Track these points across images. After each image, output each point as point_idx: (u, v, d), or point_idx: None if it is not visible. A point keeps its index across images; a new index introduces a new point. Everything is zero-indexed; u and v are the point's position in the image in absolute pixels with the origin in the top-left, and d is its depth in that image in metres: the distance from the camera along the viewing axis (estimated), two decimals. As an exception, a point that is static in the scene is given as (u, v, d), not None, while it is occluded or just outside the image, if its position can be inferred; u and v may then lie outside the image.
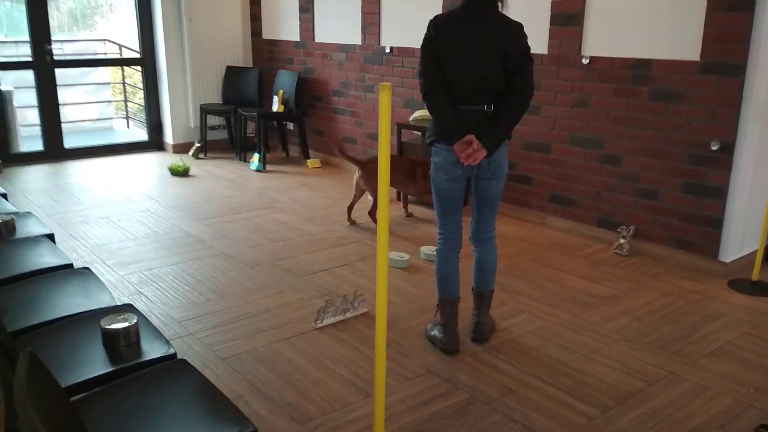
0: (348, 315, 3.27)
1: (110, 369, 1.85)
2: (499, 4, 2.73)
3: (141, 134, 8.16)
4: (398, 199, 5.15)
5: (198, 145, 6.93)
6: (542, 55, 4.49)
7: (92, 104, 9.10)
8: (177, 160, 6.40)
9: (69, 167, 6.49)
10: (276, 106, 6.68)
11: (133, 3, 6.99)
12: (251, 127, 7.25)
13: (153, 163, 6.72)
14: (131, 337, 1.97)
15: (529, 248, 4.28)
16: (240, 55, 7.34)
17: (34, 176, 6.13)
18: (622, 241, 4.17)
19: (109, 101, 9.40)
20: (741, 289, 3.63)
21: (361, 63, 6.09)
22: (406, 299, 3.49)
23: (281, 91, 6.70)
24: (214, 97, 7.22)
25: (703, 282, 3.74)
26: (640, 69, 4.01)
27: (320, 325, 3.17)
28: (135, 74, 8.97)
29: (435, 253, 2.99)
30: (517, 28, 2.73)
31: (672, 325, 3.22)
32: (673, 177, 3.96)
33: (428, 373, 2.77)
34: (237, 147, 6.95)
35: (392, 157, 4.41)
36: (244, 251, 4.20)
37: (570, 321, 3.25)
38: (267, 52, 7.26)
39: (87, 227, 4.62)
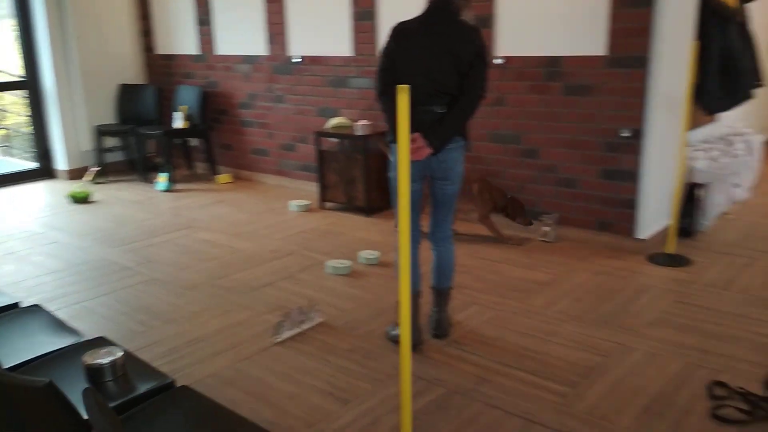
0: (305, 326, 3.22)
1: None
2: (461, 11, 2.81)
3: (23, 163, 7.55)
4: None
5: (97, 168, 6.53)
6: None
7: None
8: (76, 186, 6.00)
9: (-50, 203, 5.90)
10: (179, 123, 6.44)
11: (13, 25, 6.47)
12: (150, 146, 6.94)
13: (47, 192, 6.26)
14: (119, 370, 1.84)
15: (462, 244, 4.40)
16: (134, 72, 7.01)
17: None
18: (547, 228, 4.40)
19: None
20: (660, 261, 3.94)
21: (269, 74, 6.00)
22: (358, 304, 3.49)
23: (184, 107, 6.47)
24: (109, 117, 6.84)
25: (626, 259, 4.03)
26: (552, 66, 4.26)
27: (279, 339, 3.10)
28: (11, 99, 8.29)
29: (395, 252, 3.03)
30: (473, 31, 2.81)
31: (609, 301, 3.45)
32: (589, 165, 4.24)
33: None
34: (139, 168, 6.61)
35: None
36: (176, 274, 4.02)
37: (519, 308, 3.40)
38: (162, 68, 6.98)
39: (-8, 265, 4.23)
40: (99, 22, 6.63)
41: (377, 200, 5.15)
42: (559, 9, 4.15)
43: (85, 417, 1.24)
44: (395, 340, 3.02)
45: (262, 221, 5.07)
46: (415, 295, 2.97)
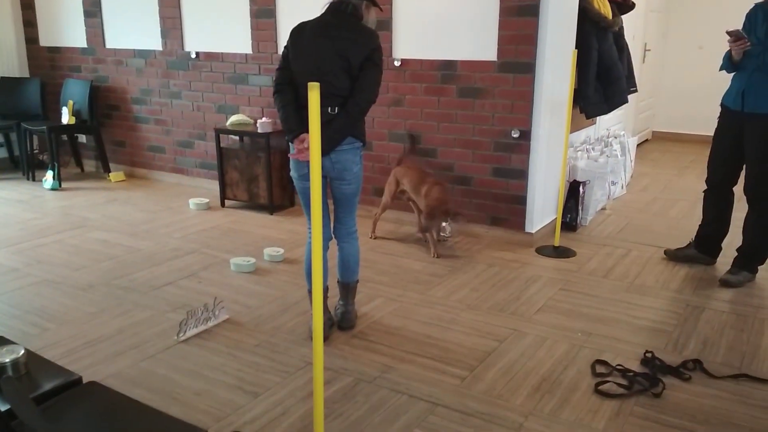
0: (210, 323, 3.21)
1: (7, 407, 1.67)
2: (361, 14, 2.90)
3: None
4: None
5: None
6: (355, 57, 4.76)
7: None
8: (-48, 184, 5.57)
9: None
10: (66, 118, 6.13)
11: None
12: (35, 142, 6.56)
13: None
14: (21, 368, 1.79)
15: (363, 240, 4.51)
16: (15, 64, 6.60)
17: None
18: (444, 224, 4.60)
19: None
20: (547, 253, 4.24)
21: (164, 69, 5.85)
22: (264, 301, 3.51)
23: (71, 102, 6.17)
24: (-13, 111, 6.39)
25: (516, 252, 4.30)
26: (447, 69, 4.46)
27: (183, 337, 3.08)
28: None
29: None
30: (367, 36, 2.88)
31: (503, 290, 3.68)
32: (482, 163, 4.47)
33: (308, 365, 2.85)
34: (23, 165, 6.24)
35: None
36: (69, 275, 3.86)
37: (420, 299, 3.55)
38: (47, 60, 6.62)
39: None
40: (-26, 9, 6.19)
41: (280, 198, 5.17)
42: (454, 15, 4.35)
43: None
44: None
45: (160, 220, 4.95)
46: (324, 290, 3.04)
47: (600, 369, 2.82)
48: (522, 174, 4.34)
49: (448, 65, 4.44)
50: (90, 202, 5.44)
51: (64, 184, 5.94)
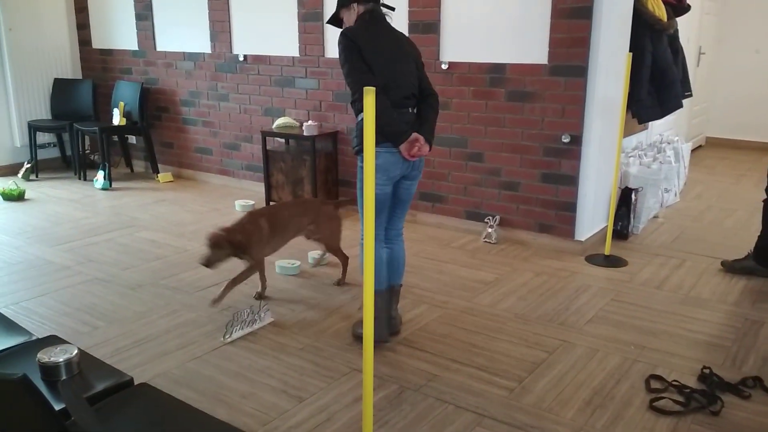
0: (256, 326, 3.21)
1: (61, 406, 1.68)
2: (387, 18, 2.98)
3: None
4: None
5: (28, 165, 6.28)
6: (402, 60, 4.73)
7: None
8: (9, 183, 5.74)
9: None
10: (117, 119, 6.27)
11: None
12: (87, 143, 6.73)
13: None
14: (74, 368, 1.80)
15: (408, 244, 4.44)
16: (69, 66, 6.77)
17: None
18: (489, 230, 4.53)
19: None
20: (597, 262, 4.13)
21: (212, 72, 5.92)
22: (308, 304, 3.50)
23: (122, 103, 6.30)
24: (43, 112, 6.59)
25: (565, 260, 4.19)
26: (495, 72, 4.39)
27: (229, 339, 3.08)
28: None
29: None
30: (411, 40, 3.02)
31: (551, 300, 3.59)
32: (530, 169, 4.39)
33: (353, 371, 2.82)
34: (75, 165, 6.40)
35: (274, 207, 3.94)
36: (119, 274, 3.92)
37: (466, 306, 3.49)
38: (99, 62, 6.78)
39: None
40: (33, 15, 6.38)
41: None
42: (503, 17, 4.28)
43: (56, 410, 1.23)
44: (356, 333, 3.07)
45: (207, 221, 5.00)
46: (385, 291, 3.01)
47: (654, 384, 2.72)
48: (572, 180, 4.24)
49: (497, 68, 4.37)
50: (139, 202, 5.54)
51: (114, 184, 6.06)
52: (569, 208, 4.29)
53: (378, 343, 2.92)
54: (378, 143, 2.77)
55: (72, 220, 5.01)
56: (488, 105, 4.47)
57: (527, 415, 2.50)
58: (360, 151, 2.84)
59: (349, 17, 2.93)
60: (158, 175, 6.32)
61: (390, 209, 3.06)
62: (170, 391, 2.63)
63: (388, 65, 2.82)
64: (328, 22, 3.09)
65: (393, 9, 3.00)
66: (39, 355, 1.77)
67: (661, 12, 4.68)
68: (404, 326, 3.23)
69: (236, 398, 2.61)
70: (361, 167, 2.86)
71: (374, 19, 2.90)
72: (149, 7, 6.17)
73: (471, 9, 4.41)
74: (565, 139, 4.19)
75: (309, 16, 5.17)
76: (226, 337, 3.08)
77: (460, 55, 4.52)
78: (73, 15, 6.77)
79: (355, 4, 2.90)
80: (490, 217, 4.56)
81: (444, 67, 4.57)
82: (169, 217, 5.09)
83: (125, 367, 2.81)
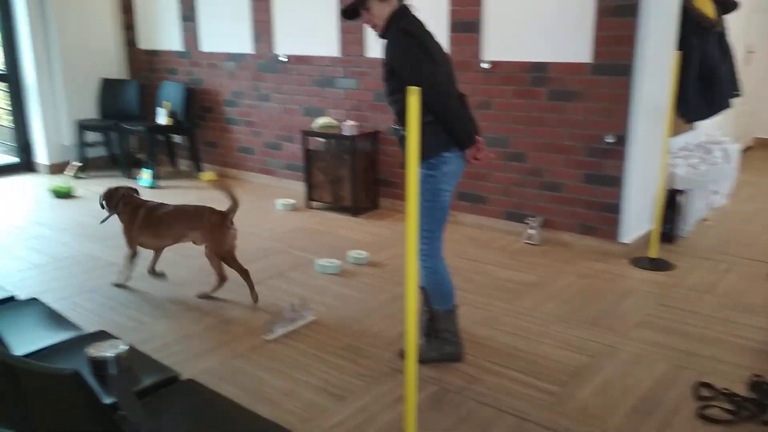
0: (297, 324, 3.24)
1: (112, 400, 1.72)
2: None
3: (2, 156, 7.42)
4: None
5: (78, 164, 6.45)
6: (444, 60, 4.71)
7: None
8: (59, 181, 5.91)
9: (-74, 196, 5.79)
10: (163, 119, 6.39)
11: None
12: (133, 142, 6.89)
13: (27, 186, 6.16)
14: (123, 363, 1.84)
15: (447, 245, 4.40)
16: (116, 66, 6.93)
17: None
18: (531, 231, 4.47)
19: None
20: (643, 265, 4.04)
21: (254, 72, 5.99)
22: (348, 303, 3.52)
23: (167, 103, 6.42)
24: (91, 111, 6.76)
25: (609, 262, 4.12)
26: (537, 71, 4.33)
27: (272, 337, 3.12)
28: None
29: (429, 268, 2.84)
30: None
31: (595, 303, 3.52)
32: (573, 169, 4.32)
33: (393, 371, 2.82)
34: (122, 164, 6.55)
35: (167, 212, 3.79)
36: (164, 270, 3.99)
37: (507, 308, 3.45)
38: (146, 63, 6.92)
39: (-26, 259, 4.16)
40: (80, 15, 6.55)
41: (364, 200, 5.18)
42: (546, 16, 4.22)
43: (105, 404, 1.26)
44: (442, 357, 2.87)
45: (249, 220, 5.05)
46: (455, 308, 2.92)
47: (703, 392, 2.64)
48: (616, 181, 4.16)
49: (539, 67, 4.31)
50: (183, 201, 5.61)
51: (159, 183, 6.18)
52: (613, 209, 4.21)
53: (457, 359, 2.87)
54: (448, 148, 2.69)
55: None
56: (530, 104, 4.41)
57: (571, 421, 2.46)
58: (428, 157, 2.59)
59: (381, 11, 2.67)
60: (202, 174, 6.43)
61: None
62: (214, 387, 2.65)
63: (446, 65, 2.73)
64: (344, 15, 2.81)
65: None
66: (88, 350, 1.82)
67: (708, 9, 4.55)
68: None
69: (278, 396, 2.63)
70: (431, 175, 2.69)
71: (415, 16, 2.73)
72: (193, 8, 6.28)
73: (513, 7, 4.36)
74: (610, 140, 4.11)
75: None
76: (269, 334, 3.11)
77: (501, 54, 4.48)
78: (120, 16, 6.92)
79: (379, 3, 2.66)
80: (532, 218, 4.50)
81: (485, 66, 4.53)
82: (212, 216, 5.16)
83: (171, 362, 2.86)
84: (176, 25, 6.48)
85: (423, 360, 2.82)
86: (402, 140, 2.71)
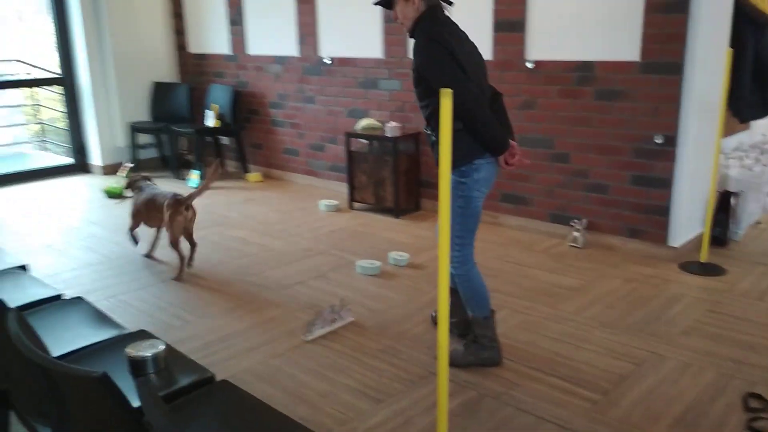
0: (336, 325, 3.26)
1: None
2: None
3: (57, 158, 7.72)
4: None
5: (130, 165, 6.65)
6: (487, 61, 4.65)
7: (2, 129, 8.49)
8: (112, 181, 6.11)
9: (-11, 196, 6.06)
10: (211, 121, 6.53)
11: (51, 22, 6.63)
12: (183, 144, 7.05)
13: (82, 187, 6.39)
14: (161, 363, 1.89)
15: (489, 247, 4.41)
16: (167, 70, 7.12)
17: (-48, 208, 5.68)
18: (576, 234, 4.39)
19: (24, 124, 8.81)
20: (693, 270, 3.91)
21: (299, 74, 6.06)
22: (388, 305, 3.52)
23: (215, 106, 6.56)
24: (142, 114, 6.96)
25: (657, 267, 4.00)
26: (583, 71, 4.25)
27: (311, 337, 3.14)
28: (45, 94, 8.48)
29: (463, 274, 2.82)
30: None
31: (641, 308, 3.43)
32: (620, 170, 4.21)
33: (431, 375, 2.80)
34: (172, 165, 6.72)
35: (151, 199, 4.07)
36: (209, 270, 4.08)
37: (550, 313, 3.39)
38: (195, 66, 7.08)
39: (32, 257, 4.32)
40: (133, 19, 6.75)
41: (406, 202, 5.18)
42: (592, 13, 4.13)
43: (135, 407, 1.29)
44: (479, 362, 2.83)
45: (292, 220, 5.13)
46: (492, 313, 2.89)
47: (754, 403, 2.54)
48: (665, 182, 4.04)
49: (585, 66, 4.23)
50: (230, 201, 5.75)
51: (206, 183, 6.31)
52: (662, 212, 4.08)
53: (495, 364, 2.84)
54: (480, 155, 2.66)
55: (167, 217, 5.25)
56: (575, 104, 4.33)
57: (612, 430, 2.40)
58: (459, 164, 2.59)
59: (406, 11, 2.68)
60: (248, 175, 6.54)
61: None
62: (253, 387, 2.72)
63: (477, 69, 2.69)
64: (379, 3, 2.80)
65: (451, 3, 2.76)
66: (127, 350, 1.87)
67: (764, 5, 4.37)
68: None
69: (316, 397, 2.66)
70: (462, 182, 2.67)
71: (447, 18, 2.69)
72: (241, 12, 6.39)
73: (558, 5, 4.28)
74: (659, 140, 3.99)
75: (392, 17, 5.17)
76: (308, 335, 3.14)
77: (546, 54, 4.40)
78: (171, 20, 7.10)
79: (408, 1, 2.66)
80: (577, 220, 4.41)
81: (530, 66, 4.47)
82: (257, 216, 5.25)
83: (212, 361, 2.93)
84: (224, 29, 6.61)
85: (460, 365, 2.82)
86: (434, 145, 2.74)
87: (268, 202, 5.72)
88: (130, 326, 3.26)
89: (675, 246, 4.09)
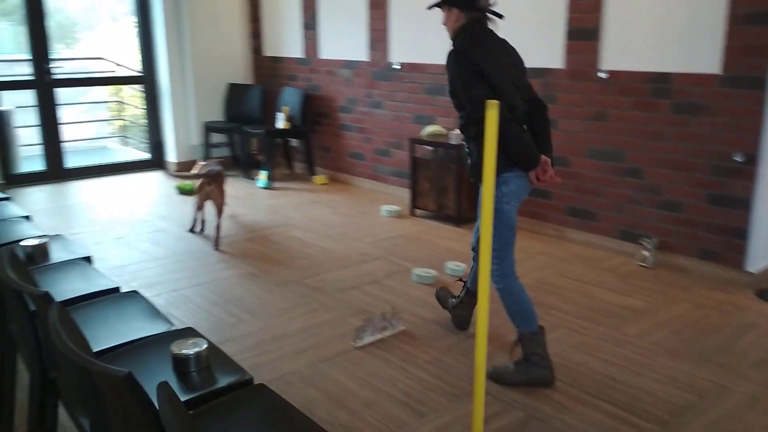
0: (387, 333, 3.23)
1: (187, 397, 1.79)
2: (491, 24, 2.78)
3: (137, 153, 8.07)
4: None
5: (203, 162, 6.85)
6: (558, 69, 4.53)
7: (88, 123, 8.97)
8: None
9: (71, 187, 6.39)
10: (281, 123, 6.65)
11: (134, 22, 6.94)
12: (254, 144, 7.22)
13: (157, 182, 6.65)
14: (203, 362, 1.92)
15: (552, 262, 4.28)
16: (242, 72, 7.31)
17: (37, 197, 6.02)
18: (646, 253, 4.19)
19: (108, 120, 9.28)
20: (770, 298, 3.66)
21: (368, 79, 6.09)
22: (440, 316, 3.46)
23: (286, 108, 6.67)
24: (217, 114, 7.17)
25: (732, 292, 3.76)
26: (659, 82, 4.05)
27: (360, 344, 3.13)
28: (128, 91, 8.90)
29: (505, 287, 2.77)
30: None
31: (710, 336, 3.23)
32: (696, 188, 3.99)
33: (478, 391, 2.73)
34: (242, 164, 6.88)
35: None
36: (268, 270, 4.14)
37: (609, 335, 3.25)
38: (269, 69, 7.24)
39: (103, 248, 4.53)
40: (213, 23, 6.96)
41: (468, 210, 5.10)
42: (671, 23, 3.94)
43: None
44: (531, 382, 2.74)
45: (353, 224, 5.14)
46: (540, 329, 2.78)
47: (829, 448, 2.34)
48: (744, 203, 3.80)
49: (662, 78, 4.03)
50: (295, 202, 5.83)
51: (274, 184, 6.44)
52: (740, 234, 3.84)
53: (549, 384, 2.76)
54: (508, 168, 2.64)
55: (234, 215, 5.38)
56: (650, 117, 4.13)
57: (666, 464, 2.26)
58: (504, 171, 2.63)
59: (447, 19, 2.74)
60: (314, 177, 6.62)
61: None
62: (297, 389, 2.72)
63: (506, 82, 2.64)
64: (429, 7, 2.89)
65: (501, 17, 2.73)
66: (172, 347, 1.90)
67: None
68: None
69: (358, 405, 2.63)
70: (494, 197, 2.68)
71: (484, 31, 2.70)
72: (315, 17, 6.48)
73: (636, 14, 4.11)
74: (738, 158, 3.76)
75: (464, 24, 5.12)
76: (357, 341, 3.13)
77: (620, 64, 4.23)
78: (249, 24, 7.29)
79: (456, 11, 2.69)
80: (647, 239, 4.21)
81: (603, 75, 4.31)
82: (320, 218, 5.30)
83: (261, 361, 2.96)
84: (298, 33, 6.72)
85: (510, 383, 2.74)
86: (467, 156, 2.80)
87: (331, 204, 5.76)
88: (187, 321, 3.37)
89: (752, 271, 3.84)
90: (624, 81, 4.23)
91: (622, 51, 4.22)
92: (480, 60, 2.59)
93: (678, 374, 2.87)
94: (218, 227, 4.61)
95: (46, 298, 1.60)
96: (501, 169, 2.59)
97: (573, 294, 3.75)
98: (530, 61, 4.60)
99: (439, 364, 2.95)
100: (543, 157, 2.66)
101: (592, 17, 4.31)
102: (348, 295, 3.73)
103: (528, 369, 2.76)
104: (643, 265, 4.18)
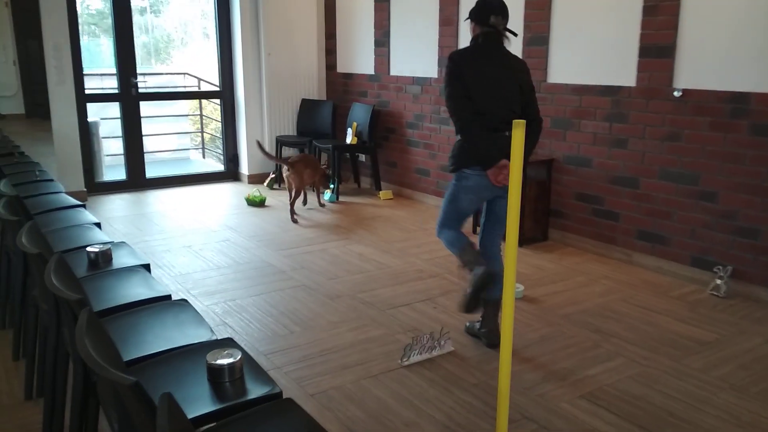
0: (434, 353, 3.18)
1: (216, 407, 1.82)
2: (505, 41, 3.09)
3: (215, 164, 8.38)
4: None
5: (273, 175, 7.05)
6: (630, 87, 4.37)
7: (170, 135, 9.42)
8: (254, 190, 6.50)
9: (150, 196, 6.70)
10: (350, 138, 6.74)
11: (215, 40, 7.24)
12: (323, 159, 7.34)
13: (229, 193, 6.86)
14: (236, 373, 1.94)
15: (617, 287, 4.11)
16: (315, 88, 7.46)
17: (117, 204, 6.34)
18: (719, 281, 3.95)
19: (188, 132, 9.71)
20: None
21: (436, 96, 6.08)
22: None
23: (355, 124, 6.76)
24: (289, 129, 7.35)
25: (813, 328, 3.49)
26: (738, 102, 3.83)
27: (407, 362, 3.10)
28: (209, 106, 9.27)
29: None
30: (525, 64, 3.17)
31: (784, 375, 3.00)
32: (776, 215, 3.74)
33: (523, 419, 2.65)
34: (311, 178, 7.01)
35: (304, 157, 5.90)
36: (323, 283, 4.18)
37: (671, 367, 3.07)
38: (341, 85, 7.36)
39: (171, 256, 4.71)
40: (289, 40, 7.16)
41: (532, 230, 4.98)
42: (750, 41, 3.72)
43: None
44: (468, 296, 3.08)
45: (413, 240, 5.12)
46: (466, 243, 3.20)
47: None
48: (830, 233, 3.52)
49: (740, 98, 3.81)
50: (358, 217, 5.88)
51: (340, 198, 6.52)
52: (824, 266, 3.56)
53: (478, 265, 3.05)
54: (469, 165, 3.02)
55: (297, 228, 5.48)
56: (727, 139, 3.91)
57: None
58: (454, 170, 3.10)
59: (471, 31, 3.12)
60: (380, 192, 6.65)
61: (487, 228, 3.25)
62: (339, 405, 2.72)
63: (488, 90, 2.95)
64: (466, 19, 3.19)
65: (515, 35, 3.11)
66: (207, 357, 1.94)
67: None
68: (591, 379, 2.95)
69: (399, 424, 2.60)
70: (454, 184, 3.14)
71: (486, 43, 3.02)
72: (387, 34, 6.55)
73: (713, 31, 3.91)
74: (825, 184, 3.50)
75: (533, 40, 5.03)
76: (404, 360, 3.10)
77: (696, 82, 4.03)
78: (324, 41, 7.45)
79: (472, 24, 3.09)
80: (721, 267, 3.97)
81: (677, 94, 4.11)
82: (381, 233, 5.32)
83: (307, 374, 2.98)
84: (370, 49, 6.81)
85: (470, 297, 3.06)
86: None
87: (394, 219, 5.77)
88: (240, 331, 3.45)
89: (838, 306, 3.55)
90: (699, 100, 4.03)
91: (697, 69, 4.02)
92: (464, 66, 2.97)
93: (741, 412, 2.67)
94: (291, 204, 5.66)
95: (81, 303, 1.67)
96: (462, 164, 3.05)
97: (636, 322, 3.58)
98: (599, 79, 4.50)
99: (485, 388, 2.88)
100: (503, 161, 2.90)
101: (666, 34, 4.14)
102: (399, 312, 3.71)
103: (471, 280, 3.04)
104: (715, 294, 3.94)
